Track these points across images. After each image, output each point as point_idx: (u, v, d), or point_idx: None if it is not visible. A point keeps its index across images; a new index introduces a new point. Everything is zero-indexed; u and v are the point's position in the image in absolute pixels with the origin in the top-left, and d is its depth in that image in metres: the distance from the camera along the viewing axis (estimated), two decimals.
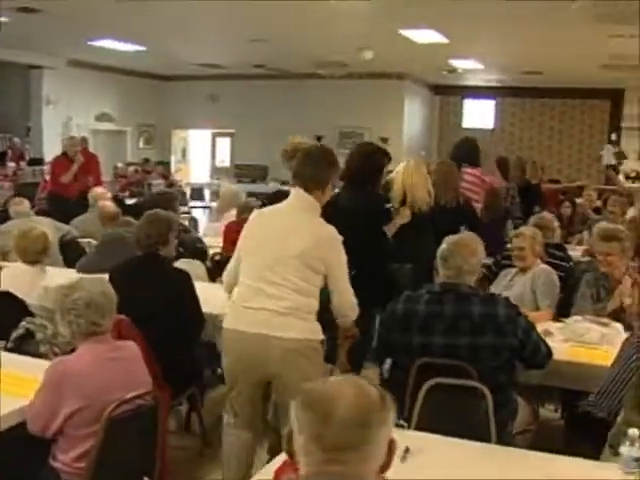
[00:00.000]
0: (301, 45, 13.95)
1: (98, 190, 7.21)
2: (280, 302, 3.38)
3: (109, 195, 7.12)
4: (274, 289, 3.40)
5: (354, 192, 5.21)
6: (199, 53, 15.81)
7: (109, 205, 6.09)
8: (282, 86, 18.73)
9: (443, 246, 3.68)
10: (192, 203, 14.61)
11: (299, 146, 4.83)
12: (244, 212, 6.38)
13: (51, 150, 15.75)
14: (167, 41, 13.97)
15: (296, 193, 3.56)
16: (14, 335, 3.80)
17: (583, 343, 4.51)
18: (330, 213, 3.72)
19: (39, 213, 11.28)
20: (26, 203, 6.63)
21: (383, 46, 13.24)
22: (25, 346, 3.75)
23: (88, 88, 17.30)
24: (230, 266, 3.75)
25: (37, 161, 15.63)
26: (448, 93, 20.12)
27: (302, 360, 3.42)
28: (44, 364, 3.31)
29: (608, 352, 4.02)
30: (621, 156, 17.48)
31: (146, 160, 17.54)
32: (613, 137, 18.59)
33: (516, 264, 5.35)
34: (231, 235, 6.18)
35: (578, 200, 10.17)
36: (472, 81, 18.76)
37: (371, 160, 5.33)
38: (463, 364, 3.57)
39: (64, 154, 10.26)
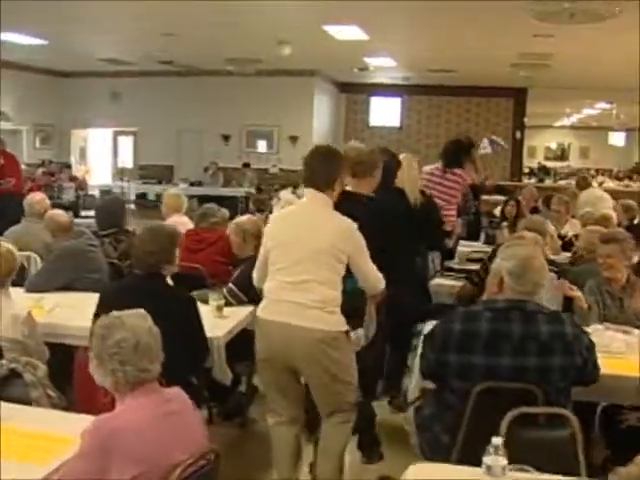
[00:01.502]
0: (214, 41, 13.34)
1: (36, 197, 6.37)
2: (308, 295, 3.55)
3: (48, 201, 6.29)
4: (303, 283, 3.57)
5: (389, 195, 5.03)
6: (103, 47, 14.89)
7: (61, 214, 5.32)
8: (189, 83, 18.03)
9: (513, 262, 3.26)
10: None
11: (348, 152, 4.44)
12: (202, 221, 5.94)
13: None
14: (71, 34, 13.04)
15: (310, 194, 3.74)
16: None
17: (610, 353, 4.18)
18: (373, 217, 3.99)
19: None
20: None
21: (302, 42, 12.82)
22: (7, 391, 3.03)
23: None
24: (258, 264, 3.92)
25: None
26: (355, 91, 19.85)
27: (329, 350, 3.57)
28: (50, 415, 2.82)
29: (635, 361, 3.88)
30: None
31: (50, 162, 16.45)
32: (517, 135, 18.83)
33: None
34: (192, 245, 5.58)
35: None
36: (378, 79, 18.59)
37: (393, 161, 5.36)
38: (533, 387, 3.16)
39: None
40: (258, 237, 5.10)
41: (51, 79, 18.70)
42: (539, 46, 12.14)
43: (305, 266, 3.59)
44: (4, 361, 3.12)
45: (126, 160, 19.82)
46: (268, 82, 17.29)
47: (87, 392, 3.40)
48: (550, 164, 28.28)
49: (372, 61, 15.39)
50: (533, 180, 21.60)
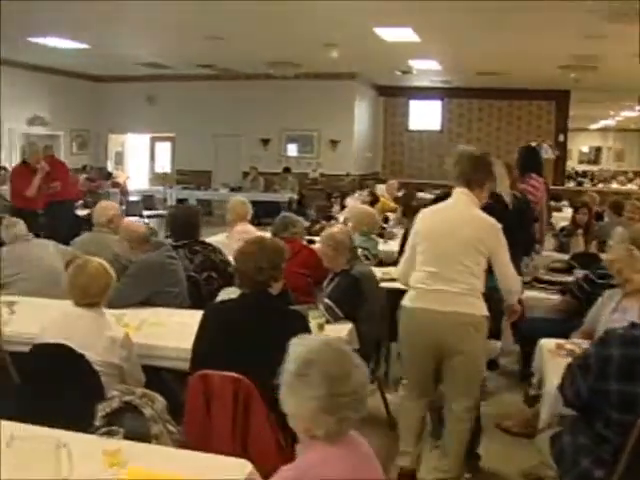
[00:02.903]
0: (257, 44, 13.07)
1: (104, 204, 6.13)
2: (458, 284, 3.81)
3: (118, 210, 6.03)
4: (452, 273, 3.83)
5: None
6: (143, 51, 14.68)
7: (138, 224, 5.07)
8: (228, 87, 17.79)
9: None
10: (145, 212, 13.51)
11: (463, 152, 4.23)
12: (282, 231, 5.74)
13: None
14: (113, 38, 12.82)
15: (461, 191, 4.00)
16: (103, 411, 2.78)
17: None
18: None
19: None
20: (22, 224, 5.51)
21: (348, 44, 12.54)
22: (121, 425, 2.71)
23: (20, 89, 15.90)
24: (404, 258, 4.16)
25: None
26: (394, 94, 19.55)
27: (474, 332, 3.83)
28: (176, 454, 2.50)
29: None
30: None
31: (90, 167, 16.28)
32: (561, 138, 18.42)
33: (618, 286, 4.53)
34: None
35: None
36: (419, 82, 18.27)
37: None
38: None
39: (24, 163, 9.02)
40: (352, 249, 4.85)
41: (88, 84, 18.58)
42: (589, 47, 11.82)
43: (453, 257, 3.84)
44: (115, 392, 2.81)
45: (164, 165, 19.66)
46: (308, 85, 17.03)
47: (200, 423, 3.13)
48: (583, 168, 27.79)
49: (417, 64, 15.08)
50: (572, 184, 21.15)
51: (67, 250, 5.64)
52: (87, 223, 12.04)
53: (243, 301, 3.42)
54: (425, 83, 18.28)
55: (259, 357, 3.19)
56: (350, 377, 2.00)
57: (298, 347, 2.10)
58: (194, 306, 4.85)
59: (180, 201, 16.24)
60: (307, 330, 3.46)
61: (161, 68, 16.65)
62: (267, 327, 3.32)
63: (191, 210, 5.98)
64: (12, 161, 15.09)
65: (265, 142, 18.22)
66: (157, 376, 3.87)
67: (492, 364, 5.79)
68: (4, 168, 13.38)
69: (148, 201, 14.09)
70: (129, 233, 4.96)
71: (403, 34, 11.67)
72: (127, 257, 5.28)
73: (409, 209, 9.53)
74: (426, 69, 15.58)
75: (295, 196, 16.25)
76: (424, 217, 4.15)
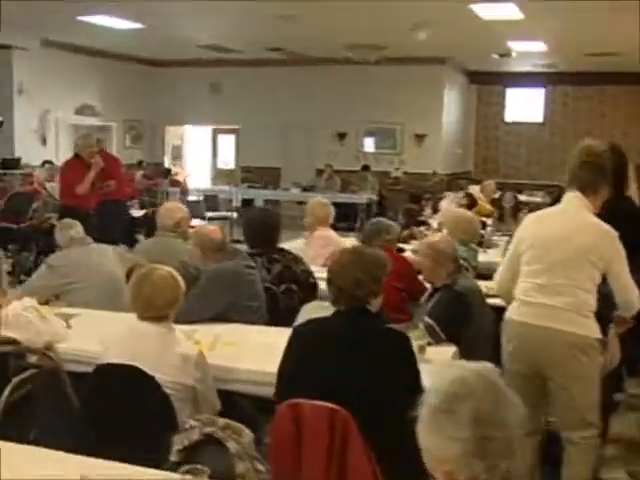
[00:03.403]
0: (334, 24, 13.03)
1: (169, 205, 6.18)
2: (563, 298, 3.81)
3: (186, 212, 6.05)
4: (558, 286, 3.83)
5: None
6: (205, 32, 14.81)
7: (213, 229, 5.04)
8: (300, 73, 17.88)
9: None
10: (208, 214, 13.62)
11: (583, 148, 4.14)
12: (374, 238, 5.65)
13: (24, 150, 14.87)
14: (170, 16, 12.91)
15: (574, 195, 3.98)
16: (181, 444, 2.73)
17: None
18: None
19: (37, 231, 10.38)
20: (79, 227, 5.57)
21: (439, 24, 12.38)
22: (199, 461, 2.65)
23: (67, 75, 16.29)
24: (504, 267, 4.24)
25: (11, 164, 14.55)
26: (488, 81, 19.34)
27: (580, 356, 3.81)
28: None
29: None
30: None
31: (147, 163, 16.55)
32: None
33: None
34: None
35: None
36: (518, 67, 17.97)
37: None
38: None
39: (76, 157, 9.16)
40: (455, 260, 4.75)
41: (144, 69, 18.90)
42: None
43: (561, 268, 3.85)
44: (194, 422, 2.76)
45: (227, 161, 19.85)
46: (391, 71, 16.96)
47: (289, 460, 3.09)
48: None
49: (517, 45, 14.83)
50: None
51: (128, 256, 5.66)
52: (143, 226, 12.36)
53: (338, 320, 3.36)
54: (526, 68, 17.97)
55: (357, 384, 3.17)
56: (505, 418, 1.89)
57: (443, 376, 1.98)
58: (271, 322, 4.84)
59: (245, 202, 16.35)
60: (412, 354, 3.39)
61: (225, 52, 16.79)
62: (367, 349, 3.28)
63: (270, 213, 5.95)
64: (58, 155, 15.43)
65: (341, 136, 18.20)
66: (231, 402, 3.84)
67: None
68: (50, 162, 13.66)
69: (211, 201, 14.21)
70: (202, 239, 4.95)
71: (504, 11, 11.50)
72: (196, 265, 5.30)
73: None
74: (528, 51, 15.29)
75: (375, 197, 16.15)
76: (530, 223, 4.18)
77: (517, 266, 4.08)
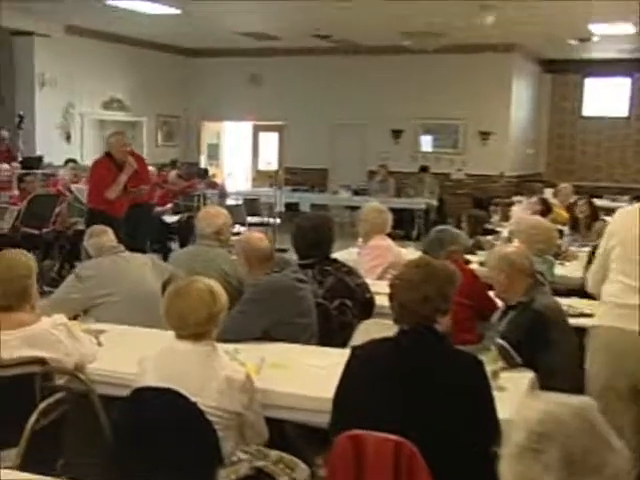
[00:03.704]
0: (391, 9, 12.99)
1: (211, 210, 6.21)
2: None
3: (228, 218, 6.08)
4: None
5: None
6: (246, 18, 14.88)
7: (259, 237, 5.05)
8: (351, 63, 17.90)
9: None
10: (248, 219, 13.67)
11: None
12: (436, 249, 5.68)
13: (46, 147, 15.04)
14: (208, 2, 13.04)
15: None
16: (227, 478, 2.73)
17: None
18: None
19: (61, 238, 10.50)
20: (111, 234, 5.62)
21: (508, 6, 12.30)
22: None
23: (94, 65, 16.50)
24: (595, 266, 4.35)
25: (32, 163, 14.71)
26: (564, 70, 19.14)
27: None
28: None
29: None
30: None
31: (182, 163, 16.68)
32: None
33: None
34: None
35: None
36: (598, 53, 17.71)
37: None
38: None
39: (108, 156, 9.29)
40: (532, 274, 4.71)
41: (178, 59, 19.11)
42: None
43: None
44: (242, 454, 2.76)
45: (270, 161, 20.00)
46: (452, 61, 16.96)
47: None
48: None
49: (599, 28, 14.53)
50: None
51: (163, 266, 5.72)
52: (178, 233, 12.46)
53: (402, 341, 3.36)
54: (609, 54, 17.64)
55: (425, 414, 3.18)
56: (604, 464, 1.83)
57: (531, 409, 1.94)
58: (323, 342, 4.85)
59: (289, 206, 16.36)
60: (487, 380, 3.36)
61: (268, 39, 16.90)
62: (435, 375, 3.28)
63: (323, 220, 5.94)
64: (83, 154, 15.64)
65: (396, 134, 18.20)
66: (279, 432, 3.84)
67: None
68: (73, 161, 13.82)
69: (251, 206, 14.22)
70: (247, 248, 4.97)
71: None
72: (240, 277, 5.33)
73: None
74: (613, 34, 14.91)
75: (434, 202, 16.08)
76: (620, 216, 4.30)
77: (608, 264, 4.16)
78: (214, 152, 20.60)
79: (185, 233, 12.15)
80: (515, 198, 14.06)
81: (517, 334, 4.41)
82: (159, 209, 12.55)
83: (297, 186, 17.74)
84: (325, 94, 18.20)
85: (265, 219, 14.39)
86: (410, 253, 7.40)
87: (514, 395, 3.94)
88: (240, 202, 14.61)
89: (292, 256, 5.70)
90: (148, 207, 10.75)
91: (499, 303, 5.05)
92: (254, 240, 5.04)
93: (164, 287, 5.41)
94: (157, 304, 5.00)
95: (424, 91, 17.47)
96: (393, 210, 7.26)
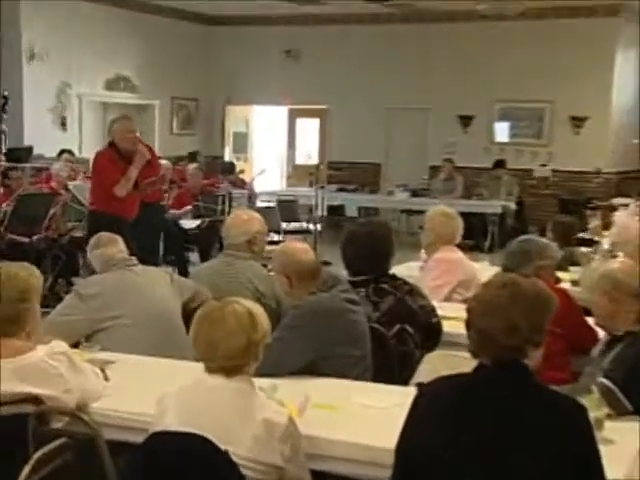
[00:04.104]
0: None
1: (243, 215, 6.23)
2: None
3: (263, 225, 6.13)
4: None
5: None
6: None
7: (304, 249, 5.08)
8: (409, 34, 17.97)
9: None
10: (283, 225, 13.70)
11: None
12: (521, 264, 5.65)
13: (37, 136, 15.17)
14: None
15: None
16: None
17: None
18: None
19: (55, 246, 10.59)
20: (121, 244, 5.66)
21: None
22: None
23: (96, 36, 16.65)
24: None
25: (19, 155, 14.84)
26: None
27: None
28: None
29: None
30: None
31: (203, 156, 16.78)
32: None
33: None
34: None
35: None
36: None
37: None
38: None
39: (111, 146, 9.34)
40: None
41: (198, 29, 19.29)
42: None
43: None
44: None
45: (310, 153, 20.12)
46: (537, 30, 16.96)
47: None
48: None
49: None
50: None
51: (186, 283, 5.78)
52: (198, 241, 12.51)
53: (483, 379, 3.34)
54: None
55: (514, 471, 3.17)
56: None
57: None
58: (379, 377, 4.85)
59: (333, 210, 16.38)
60: (591, 431, 3.34)
61: (309, 3, 17.02)
62: (524, 423, 3.25)
63: (380, 227, 5.99)
64: (82, 143, 15.81)
65: (466, 120, 18.23)
66: None
67: None
68: (69, 152, 13.93)
69: (287, 209, 14.25)
70: (290, 262, 4.98)
71: None
72: (278, 298, 5.35)
73: None
74: None
75: (512, 205, 16.02)
76: None
77: None
78: (241, 143, 20.77)
79: (206, 242, 12.19)
80: (617, 200, 13.96)
81: (625, 373, 4.36)
82: (175, 212, 12.61)
83: (342, 185, 17.84)
84: (377, 72, 18.26)
85: (304, 225, 14.41)
86: (485, 268, 7.40)
87: (623, 451, 3.92)
88: (273, 204, 14.64)
89: (340, 271, 5.70)
90: (158, 207, 10.79)
91: (600, 333, 5.02)
92: (297, 251, 5.05)
93: (185, 308, 5.50)
94: (177, 328, 5.11)
95: (501, 67, 17.46)
96: (461, 215, 7.29)
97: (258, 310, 3.74)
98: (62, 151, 13.95)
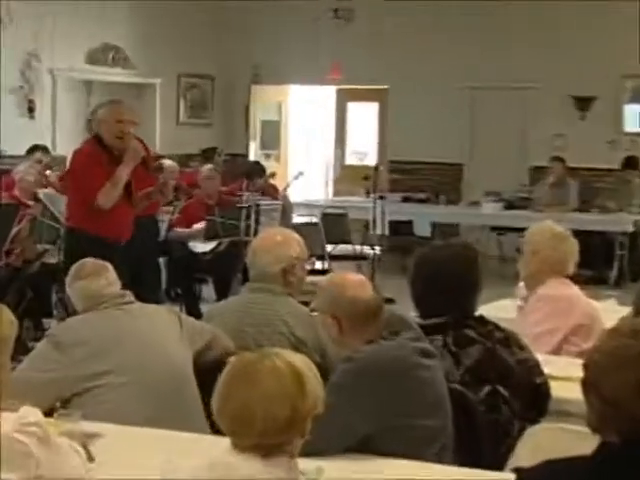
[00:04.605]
0: None
1: (277, 236, 6.29)
2: None
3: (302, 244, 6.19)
4: None
5: None
6: None
7: (361, 284, 5.13)
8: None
9: None
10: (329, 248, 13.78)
11: None
12: None
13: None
14: None
15: None
16: None
17: None
18: None
19: (20, 275, 10.69)
20: (111, 273, 5.71)
21: None
22: None
23: None
24: None
25: None
26: None
27: None
28: None
29: None
30: None
31: (219, 153, 16.93)
32: None
33: None
34: None
35: None
36: None
37: None
38: None
39: (96, 140, 9.39)
40: None
41: None
42: None
43: None
44: None
45: (363, 151, 20.20)
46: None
47: None
48: None
49: None
50: None
51: (199, 327, 5.84)
52: (212, 270, 12.60)
53: (609, 463, 3.35)
54: None
55: None
56: None
57: None
58: (461, 457, 4.88)
59: (397, 226, 16.46)
60: None
61: None
62: None
63: (463, 252, 6.02)
64: (57, 137, 15.95)
65: (583, 103, 18.20)
66: None
67: None
68: (43, 148, 14.08)
69: (334, 226, 14.35)
70: (341, 300, 5.01)
71: None
72: (323, 348, 5.39)
73: None
74: None
75: None
76: None
77: None
78: (272, 136, 20.89)
79: (225, 271, 12.29)
80: None
81: None
82: (182, 230, 12.68)
83: (410, 193, 17.88)
84: (456, 41, 18.45)
85: (357, 248, 14.48)
86: (610, 309, 7.39)
87: None
88: (316, 220, 14.73)
89: (407, 312, 5.73)
90: (150, 223, 10.89)
91: None
92: (349, 285, 5.08)
93: (197, 362, 5.54)
94: (187, 389, 5.14)
95: (631, 31, 17.38)
96: (576, 234, 7.24)
97: (306, 365, 3.71)
98: (32, 147, 14.05)
